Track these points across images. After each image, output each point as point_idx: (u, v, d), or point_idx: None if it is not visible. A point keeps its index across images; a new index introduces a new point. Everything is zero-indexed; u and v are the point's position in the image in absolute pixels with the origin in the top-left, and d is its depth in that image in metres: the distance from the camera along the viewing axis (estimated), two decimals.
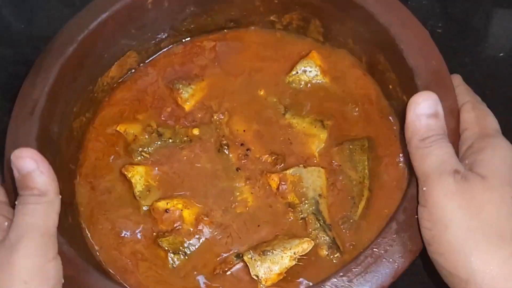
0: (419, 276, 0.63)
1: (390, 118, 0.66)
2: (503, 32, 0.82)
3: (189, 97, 0.70)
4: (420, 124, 0.50)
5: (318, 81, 0.69)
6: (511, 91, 0.75)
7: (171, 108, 0.70)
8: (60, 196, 0.52)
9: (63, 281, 0.50)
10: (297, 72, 0.69)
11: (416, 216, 0.51)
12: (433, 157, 0.49)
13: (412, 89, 0.59)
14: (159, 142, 0.67)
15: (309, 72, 0.69)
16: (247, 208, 0.62)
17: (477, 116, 0.55)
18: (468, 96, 0.57)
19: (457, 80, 0.59)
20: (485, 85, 0.73)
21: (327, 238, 0.59)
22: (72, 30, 0.65)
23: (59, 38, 0.65)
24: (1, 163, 0.73)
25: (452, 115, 0.55)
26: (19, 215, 0.49)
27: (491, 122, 0.54)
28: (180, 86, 0.70)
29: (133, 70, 0.74)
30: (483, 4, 0.84)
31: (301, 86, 0.69)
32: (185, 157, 0.66)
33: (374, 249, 0.51)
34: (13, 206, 0.51)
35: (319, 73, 0.69)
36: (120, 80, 0.73)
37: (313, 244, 0.58)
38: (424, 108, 0.50)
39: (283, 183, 0.62)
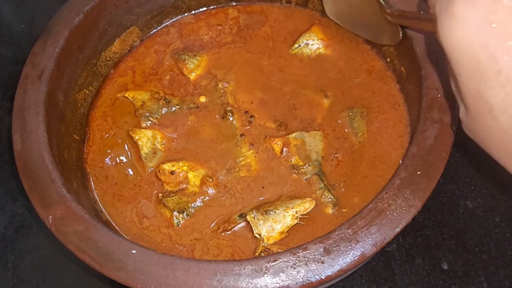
0: (419, 276, 0.64)
1: (390, 86, 0.68)
2: None
3: (194, 67, 0.71)
4: None
5: (320, 53, 0.71)
6: None
7: (177, 78, 0.71)
8: None
9: None
10: (300, 45, 0.71)
11: (418, 172, 0.52)
12: None
13: (410, 61, 0.62)
14: (166, 109, 0.68)
15: (312, 45, 0.71)
16: (251, 172, 0.63)
17: None
18: None
19: None
20: None
21: (332, 197, 0.60)
22: (79, 2, 0.67)
23: (67, 9, 0.67)
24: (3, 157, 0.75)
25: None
26: None
27: None
28: (186, 57, 0.72)
29: (138, 42, 0.75)
30: None
31: (304, 57, 0.71)
32: (191, 123, 0.67)
33: (378, 203, 0.52)
34: None
35: (321, 46, 0.71)
36: (123, 54, 0.75)
37: (314, 203, 0.59)
38: None
39: (286, 147, 0.64)
